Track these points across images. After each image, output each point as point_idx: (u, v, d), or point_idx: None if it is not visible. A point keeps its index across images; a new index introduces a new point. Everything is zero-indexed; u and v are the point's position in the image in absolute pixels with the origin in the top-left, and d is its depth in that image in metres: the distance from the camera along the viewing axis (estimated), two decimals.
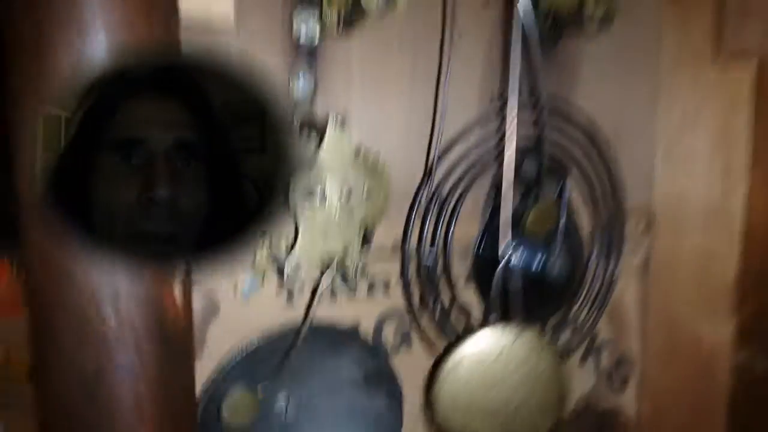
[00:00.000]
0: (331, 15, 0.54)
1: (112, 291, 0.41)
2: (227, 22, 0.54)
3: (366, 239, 0.60)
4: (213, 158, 0.55)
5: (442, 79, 0.58)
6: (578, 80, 0.71)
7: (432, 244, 0.64)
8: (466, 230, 0.68)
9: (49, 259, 0.43)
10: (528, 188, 0.68)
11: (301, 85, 0.56)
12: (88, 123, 0.52)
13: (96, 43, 0.43)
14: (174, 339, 0.45)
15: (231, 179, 0.58)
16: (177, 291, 0.44)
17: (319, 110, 0.58)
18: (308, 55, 0.54)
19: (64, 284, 0.41)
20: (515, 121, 0.60)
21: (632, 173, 0.76)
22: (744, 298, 0.69)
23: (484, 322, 0.70)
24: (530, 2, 0.55)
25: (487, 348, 0.65)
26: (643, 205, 0.78)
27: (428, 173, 0.60)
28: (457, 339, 0.67)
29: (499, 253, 0.64)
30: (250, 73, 0.51)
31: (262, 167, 0.56)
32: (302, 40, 0.55)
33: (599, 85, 0.72)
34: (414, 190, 0.63)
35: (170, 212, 0.52)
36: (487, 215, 0.68)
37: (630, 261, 0.79)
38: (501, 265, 0.64)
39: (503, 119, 0.63)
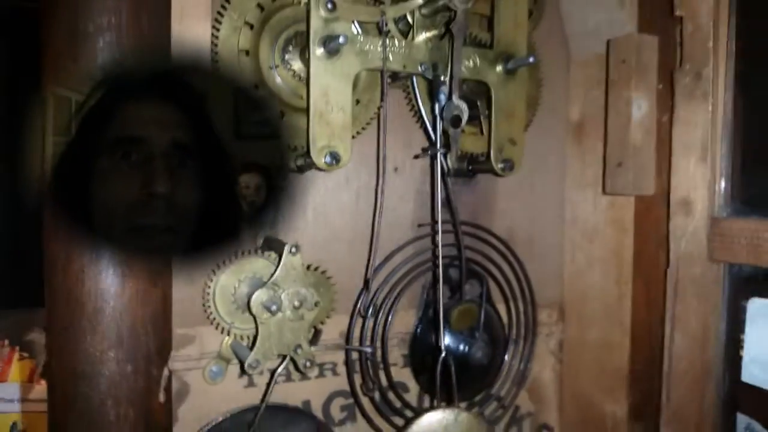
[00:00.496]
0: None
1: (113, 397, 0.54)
2: None
3: (316, 336, 0.74)
4: (205, 159, 0.62)
5: (378, 209, 0.73)
6: (497, 202, 0.87)
7: (372, 337, 0.78)
8: (406, 322, 0.83)
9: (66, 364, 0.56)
10: (453, 290, 0.83)
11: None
12: (89, 120, 0.56)
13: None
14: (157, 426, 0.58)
15: (221, 179, 0.65)
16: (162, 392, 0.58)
17: (282, 234, 0.73)
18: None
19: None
20: (440, 237, 0.74)
21: (545, 274, 0.91)
22: (634, 382, 0.83)
23: (419, 402, 0.84)
24: (443, 152, 0.70)
25: (426, 425, 0.78)
26: (555, 300, 0.93)
27: (367, 282, 0.75)
28: (395, 415, 0.80)
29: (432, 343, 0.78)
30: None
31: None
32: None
33: (515, 205, 0.88)
34: (356, 295, 0.78)
35: (168, 207, 0.57)
36: (421, 312, 0.83)
37: (547, 344, 0.93)
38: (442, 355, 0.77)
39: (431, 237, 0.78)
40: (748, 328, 0.63)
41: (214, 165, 0.65)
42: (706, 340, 0.66)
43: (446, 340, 0.82)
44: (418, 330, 0.83)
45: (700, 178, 0.68)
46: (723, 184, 0.68)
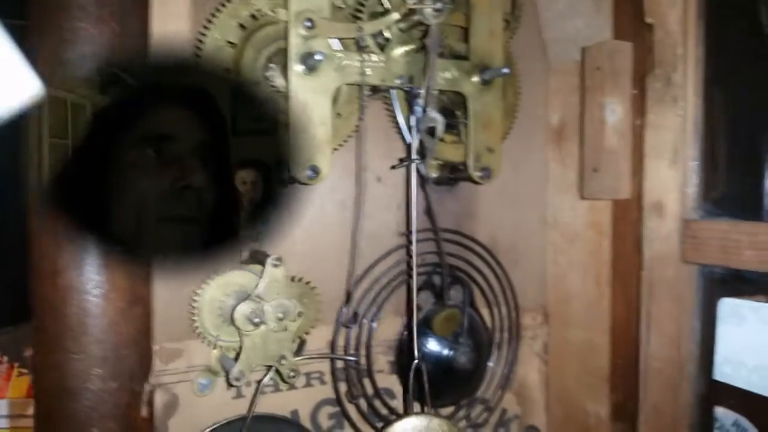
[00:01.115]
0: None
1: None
2: None
3: (301, 346, 0.76)
4: (221, 157, 0.66)
5: (358, 220, 0.74)
6: (480, 208, 0.89)
7: (356, 346, 0.79)
8: (392, 329, 0.84)
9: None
10: (438, 296, 0.84)
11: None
12: (116, 115, 0.61)
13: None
14: None
15: (230, 176, 0.69)
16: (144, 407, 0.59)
17: (268, 246, 0.75)
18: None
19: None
20: (415, 246, 0.76)
21: (529, 278, 0.93)
22: (615, 382, 0.84)
23: (405, 408, 0.85)
24: (419, 162, 0.72)
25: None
26: (539, 303, 0.94)
27: (348, 294, 0.76)
28: (381, 422, 0.81)
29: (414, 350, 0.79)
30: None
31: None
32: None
33: (498, 211, 0.90)
34: (341, 305, 0.79)
35: (197, 199, 0.64)
36: (406, 318, 0.84)
37: (532, 347, 0.95)
38: (415, 362, 0.78)
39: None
40: (719, 328, 0.65)
41: (227, 162, 0.70)
42: (680, 340, 0.68)
43: (431, 345, 0.83)
44: (404, 336, 0.84)
45: (672, 182, 0.70)
46: (693, 187, 0.70)
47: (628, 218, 0.77)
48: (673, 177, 0.70)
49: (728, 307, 0.63)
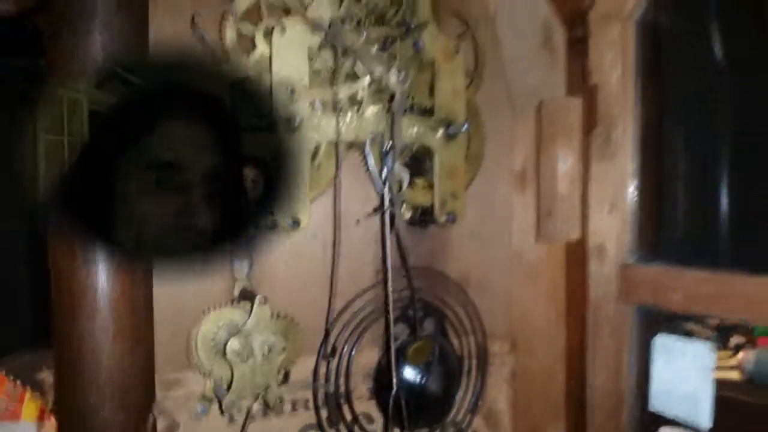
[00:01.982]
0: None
1: None
2: None
3: (286, 376, 0.84)
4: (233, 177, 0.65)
5: (336, 260, 0.84)
6: (452, 247, 0.98)
7: (336, 375, 0.88)
8: (371, 358, 0.93)
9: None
10: (412, 327, 0.93)
11: (242, 268, 0.82)
12: (117, 132, 0.56)
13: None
14: None
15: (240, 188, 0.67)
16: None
17: (258, 284, 0.84)
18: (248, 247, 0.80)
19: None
20: (390, 283, 0.84)
21: (496, 310, 1.01)
22: (570, 410, 0.92)
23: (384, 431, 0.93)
24: (393, 208, 0.81)
25: None
26: (506, 333, 1.03)
27: (327, 331, 0.85)
28: None
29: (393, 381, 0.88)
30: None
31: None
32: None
33: (468, 250, 0.99)
34: (321, 338, 0.88)
35: (201, 231, 0.62)
36: (383, 348, 0.93)
37: (501, 373, 1.03)
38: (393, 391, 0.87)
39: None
40: (653, 362, 0.73)
41: (238, 179, 0.67)
42: (620, 373, 0.76)
43: (406, 373, 0.92)
44: (382, 365, 0.93)
45: (612, 228, 0.79)
46: (630, 234, 0.78)
47: (577, 260, 0.86)
48: (612, 224, 0.79)
49: (661, 343, 0.72)
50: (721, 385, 0.73)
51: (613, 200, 0.79)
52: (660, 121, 0.79)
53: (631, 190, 0.78)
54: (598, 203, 0.82)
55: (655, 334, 0.74)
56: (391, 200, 0.81)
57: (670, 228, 0.75)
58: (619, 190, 0.78)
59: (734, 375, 1.22)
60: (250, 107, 0.71)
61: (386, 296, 0.81)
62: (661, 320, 0.74)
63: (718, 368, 0.77)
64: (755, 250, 0.71)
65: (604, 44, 0.83)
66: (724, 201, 0.75)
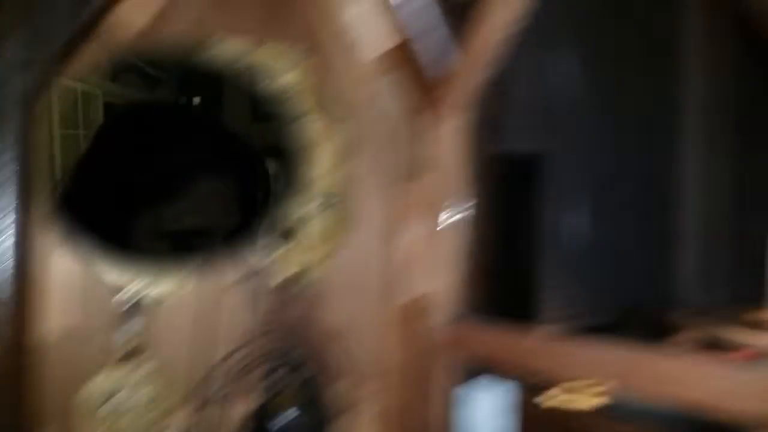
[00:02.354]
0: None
1: None
2: None
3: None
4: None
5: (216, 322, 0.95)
6: (322, 302, 1.11)
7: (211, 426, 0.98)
8: (246, 407, 1.03)
9: None
10: (286, 376, 1.05)
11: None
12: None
13: None
14: None
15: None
16: None
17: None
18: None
19: None
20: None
21: (366, 356, 1.15)
22: None
23: None
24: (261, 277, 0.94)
25: None
26: (373, 375, 1.17)
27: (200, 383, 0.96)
28: None
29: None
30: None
31: None
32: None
33: (338, 302, 1.12)
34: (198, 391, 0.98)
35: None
36: (257, 399, 1.04)
37: (370, 411, 1.16)
38: None
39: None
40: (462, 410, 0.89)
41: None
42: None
43: (279, 419, 1.04)
44: (257, 412, 1.04)
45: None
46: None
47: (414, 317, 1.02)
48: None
49: (467, 392, 0.89)
50: None
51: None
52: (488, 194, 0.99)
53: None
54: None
55: (464, 383, 0.92)
56: (259, 270, 0.94)
57: (485, 291, 0.96)
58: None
59: None
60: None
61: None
62: (471, 372, 0.93)
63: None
64: None
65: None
66: None
